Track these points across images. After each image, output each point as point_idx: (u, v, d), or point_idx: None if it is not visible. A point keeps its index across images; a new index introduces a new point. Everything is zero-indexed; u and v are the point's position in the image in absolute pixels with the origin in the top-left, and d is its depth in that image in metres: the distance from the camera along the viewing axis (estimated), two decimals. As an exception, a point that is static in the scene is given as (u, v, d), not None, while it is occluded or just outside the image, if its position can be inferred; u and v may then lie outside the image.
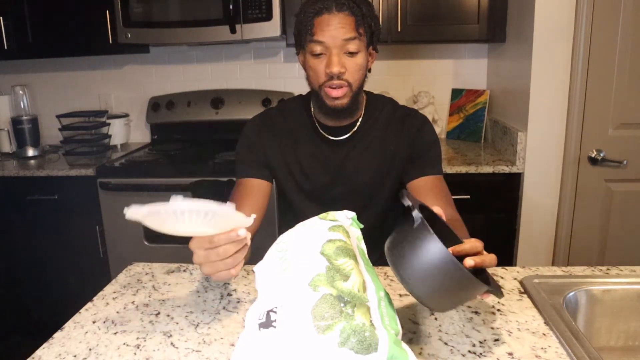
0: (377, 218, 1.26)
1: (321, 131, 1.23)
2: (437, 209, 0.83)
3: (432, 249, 0.69)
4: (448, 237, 0.80)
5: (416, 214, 0.71)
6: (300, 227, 0.88)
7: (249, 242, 0.83)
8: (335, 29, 1.07)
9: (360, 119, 1.24)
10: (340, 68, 1.08)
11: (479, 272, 0.78)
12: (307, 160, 1.24)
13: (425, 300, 0.73)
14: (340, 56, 1.09)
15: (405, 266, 0.71)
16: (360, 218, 0.92)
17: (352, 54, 1.10)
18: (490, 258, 0.77)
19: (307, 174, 1.24)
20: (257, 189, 1.21)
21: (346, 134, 1.23)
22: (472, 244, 0.78)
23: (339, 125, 1.22)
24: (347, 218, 0.91)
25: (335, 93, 1.11)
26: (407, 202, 0.74)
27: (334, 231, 0.83)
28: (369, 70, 1.19)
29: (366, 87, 1.31)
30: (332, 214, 0.90)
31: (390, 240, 0.76)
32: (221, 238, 0.78)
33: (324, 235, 0.82)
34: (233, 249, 0.80)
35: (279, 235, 0.90)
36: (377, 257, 1.01)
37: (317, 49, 1.09)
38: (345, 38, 1.08)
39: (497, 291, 0.76)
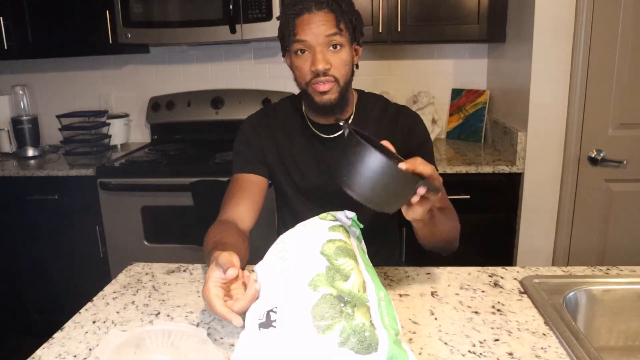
0: (374, 215, 1.27)
1: (313, 129, 1.24)
2: (385, 142, 0.91)
3: (365, 155, 0.77)
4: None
5: (345, 126, 0.80)
6: (301, 227, 0.88)
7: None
8: (316, 27, 1.09)
9: (351, 117, 1.25)
10: (325, 65, 1.09)
11: None
12: (302, 158, 1.25)
13: (371, 200, 0.80)
14: (325, 53, 1.10)
15: (352, 178, 0.79)
16: (356, 216, 0.93)
17: (336, 49, 1.11)
18: (429, 168, 0.82)
19: (303, 172, 1.25)
20: (255, 184, 1.22)
21: (338, 131, 1.24)
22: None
23: (330, 122, 1.23)
24: (347, 218, 0.91)
25: (322, 87, 1.12)
26: (346, 128, 0.82)
27: (334, 231, 0.84)
28: (357, 67, 1.20)
29: (366, 87, 1.31)
30: (332, 214, 0.90)
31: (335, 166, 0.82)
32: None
33: (324, 235, 0.82)
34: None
35: (278, 235, 0.90)
36: (374, 253, 1.01)
37: (301, 48, 1.11)
38: (327, 34, 1.09)
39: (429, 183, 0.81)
